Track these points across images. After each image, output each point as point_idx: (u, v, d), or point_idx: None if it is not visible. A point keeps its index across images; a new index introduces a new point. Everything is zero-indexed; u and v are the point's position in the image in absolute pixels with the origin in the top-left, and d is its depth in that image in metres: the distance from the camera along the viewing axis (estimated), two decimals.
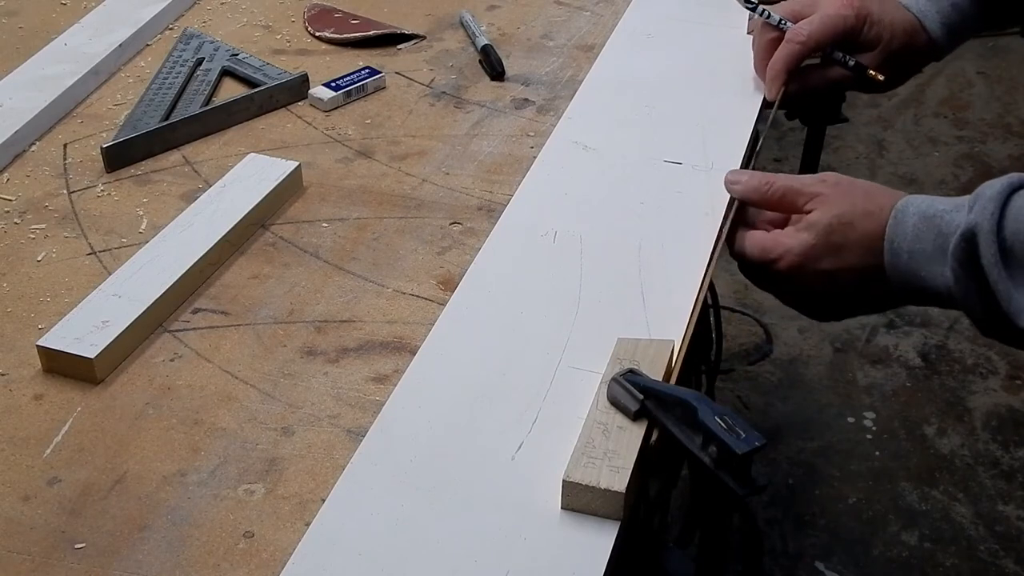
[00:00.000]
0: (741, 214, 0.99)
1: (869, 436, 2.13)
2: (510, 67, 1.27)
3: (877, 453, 2.09)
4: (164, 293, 0.92)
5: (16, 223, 1.03)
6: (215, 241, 0.97)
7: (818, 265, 0.91)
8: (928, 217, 0.85)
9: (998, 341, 0.85)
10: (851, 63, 1.12)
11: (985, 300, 0.81)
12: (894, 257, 0.86)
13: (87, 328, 0.87)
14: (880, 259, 0.88)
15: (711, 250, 0.98)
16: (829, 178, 0.93)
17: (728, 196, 1.03)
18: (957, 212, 0.84)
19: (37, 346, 0.87)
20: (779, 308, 2.34)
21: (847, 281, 0.91)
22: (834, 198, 0.91)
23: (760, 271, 0.95)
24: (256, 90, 1.20)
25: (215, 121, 1.17)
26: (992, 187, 0.81)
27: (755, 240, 0.95)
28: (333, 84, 1.21)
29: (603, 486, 0.73)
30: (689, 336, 0.88)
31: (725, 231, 0.98)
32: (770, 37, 1.15)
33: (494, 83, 1.25)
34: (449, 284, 0.96)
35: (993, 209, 0.80)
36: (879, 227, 0.88)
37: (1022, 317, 0.79)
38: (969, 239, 0.81)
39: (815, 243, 0.91)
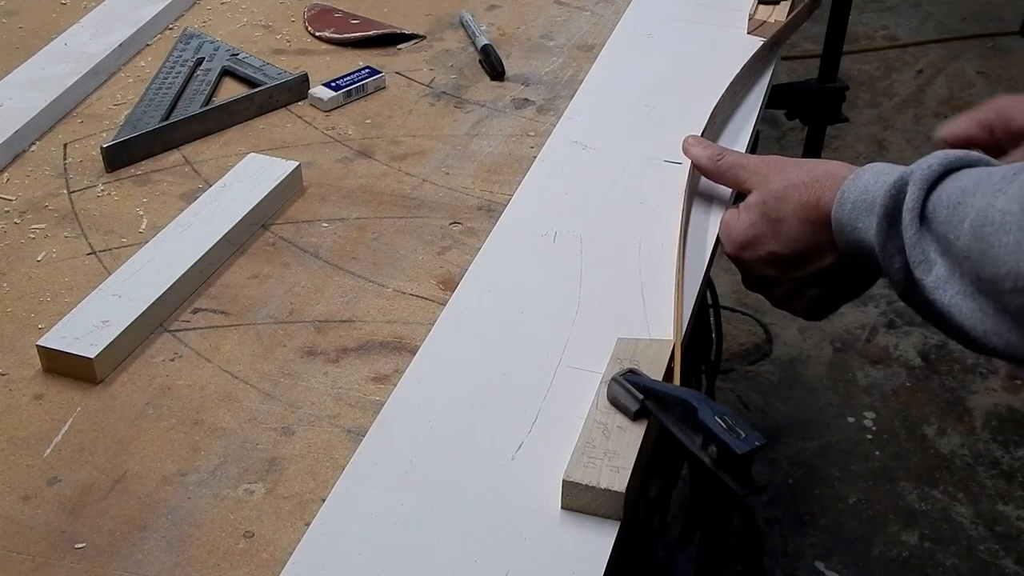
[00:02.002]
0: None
1: (869, 436, 2.13)
2: (510, 67, 1.27)
3: (877, 453, 2.09)
4: (164, 293, 0.92)
5: (16, 223, 1.03)
6: (215, 241, 0.97)
7: (760, 247, 0.91)
8: (882, 172, 0.83)
9: (912, 309, 0.82)
10: None
11: (903, 251, 0.79)
12: (840, 208, 0.84)
13: (87, 328, 0.87)
14: (821, 232, 0.87)
15: (711, 250, 0.98)
16: (769, 158, 0.94)
17: (728, 195, 1.03)
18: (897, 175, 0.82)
19: (37, 346, 0.87)
20: None
21: (794, 259, 0.89)
22: (771, 175, 0.92)
23: (732, 261, 0.96)
24: (256, 90, 1.20)
25: (215, 121, 1.17)
26: (946, 152, 0.79)
27: (721, 225, 0.96)
28: (333, 84, 1.21)
29: (603, 486, 0.73)
30: (683, 335, 0.88)
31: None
32: None
33: (494, 83, 1.25)
34: (449, 284, 0.96)
35: (935, 166, 0.78)
36: (815, 196, 0.87)
37: (919, 267, 0.77)
38: (900, 187, 0.79)
39: (752, 222, 0.91)
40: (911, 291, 0.80)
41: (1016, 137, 0.99)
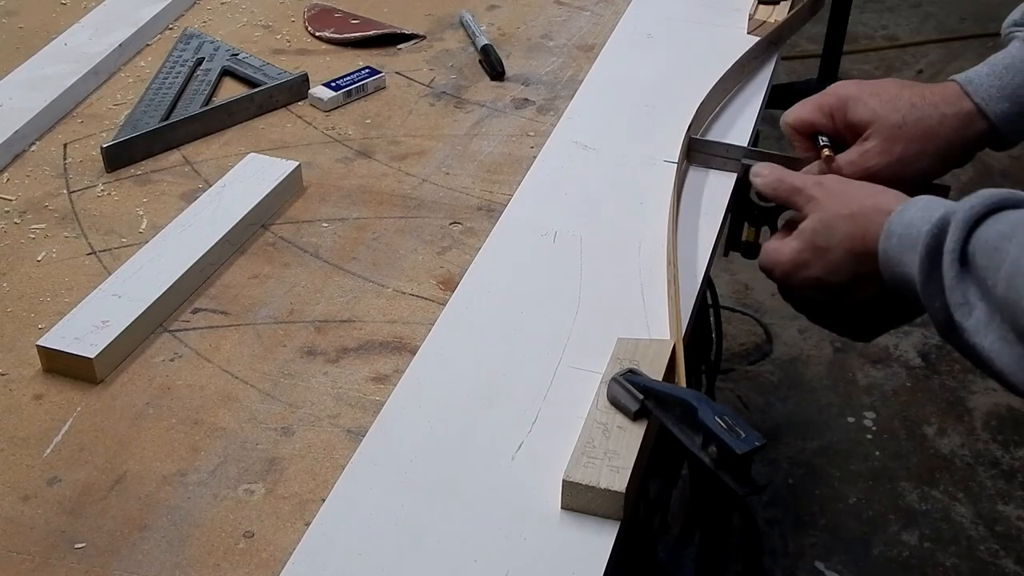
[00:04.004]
0: (738, 213, 0.98)
1: (869, 436, 2.13)
2: (510, 67, 1.27)
3: (877, 453, 2.09)
4: (164, 293, 0.92)
5: (16, 223, 1.03)
6: (215, 241, 0.97)
7: (807, 272, 0.91)
8: (928, 207, 0.83)
9: (954, 348, 0.82)
10: None
11: (943, 292, 0.79)
12: (886, 241, 0.84)
13: (87, 328, 0.87)
14: (866, 264, 0.86)
15: (711, 250, 0.98)
16: (825, 180, 0.93)
17: (727, 197, 1.04)
18: (941, 213, 0.82)
19: (37, 346, 0.87)
20: (779, 308, 2.34)
21: (839, 287, 0.90)
22: (824, 202, 0.91)
23: (778, 285, 0.96)
24: (256, 90, 1.20)
25: (215, 121, 1.17)
26: (991, 192, 0.79)
27: (765, 250, 0.95)
28: (333, 84, 1.21)
29: (603, 486, 0.73)
30: (683, 334, 0.88)
31: (725, 231, 0.98)
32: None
33: (494, 83, 1.25)
34: (449, 284, 0.96)
35: (978, 206, 0.78)
36: (862, 228, 0.86)
37: (959, 310, 0.77)
38: (942, 227, 0.79)
39: (801, 248, 0.91)
40: (952, 332, 0.79)
41: (853, 128, 0.99)
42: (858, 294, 0.89)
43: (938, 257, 0.79)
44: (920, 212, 0.82)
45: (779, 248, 0.93)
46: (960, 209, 0.78)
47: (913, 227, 0.82)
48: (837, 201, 0.90)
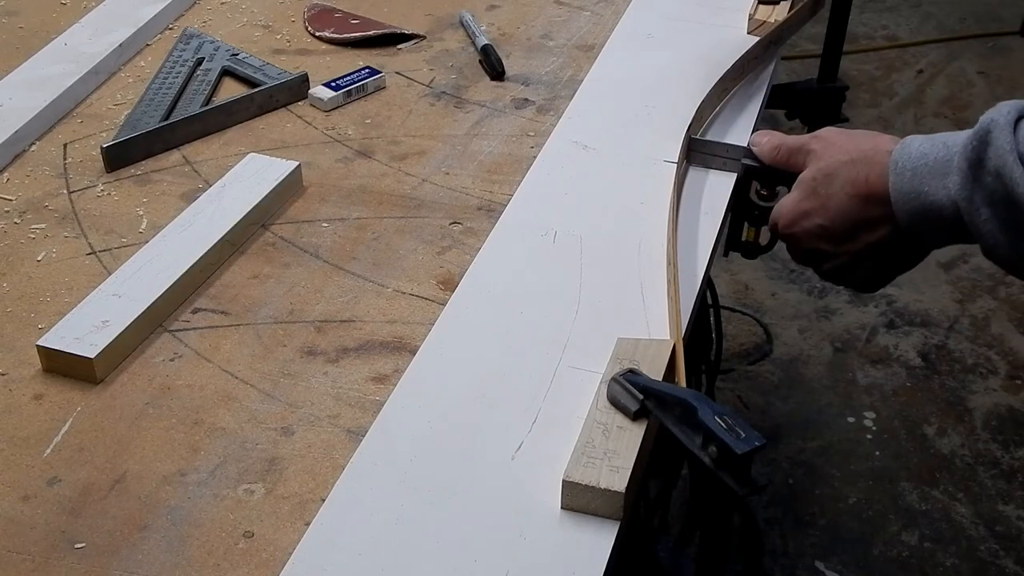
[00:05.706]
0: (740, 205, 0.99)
1: (869, 436, 2.13)
2: (510, 67, 1.27)
3: (877, 453, 2.09)
4: (164, 293, 0.92)
5: (16, 223, 1.03)
6: (215, 241, 0.97)
7: (810, 221, 0.92)
8: (934, 139, 0.84)
9: (1001, 265, 0.83)
10: None
11: (993, 200, 0.80)
12: (898, 179, 0.85)
13: (87, 328, 0.87)
14: (870, 207, 0.88)
15: (711, 250, 0.98)
16: (822, 133, 0.95)
17: (727, 197, 1.04)
18: (964, 134, 0.83)
19: (37, 346, 0.87)
20: (779, 308, 2.34)
21: (843, 234, 0.91)
22: (822, 152, 0.93)
23: (783, 239, 0.97)
24: (256, 90, 1.20)
25: (215, 121, 1.17)
26: (1011, 103, 0.81)
27: (775, 208, 0.97)
28: (333, 84, 1.21)
29: (603, 486, 0.73)
30: (683, 335, 0.88)
31: (725, 231, 0.98)
32: None
33: (494, 83, 1.25)
34: (449, 284, 0.96)
35: (1011, 112, 0.79)
36: (864, 172, 0.88)
37: None
38: (983, 137, 0.80)
39: (801, 198, 0.92)
40: (1004, 241, 0.80)
41: None
42: (862, 240, 0.90)
43: (979, 169, 0.80)
44: (926, 143, 0.84)
45: (783, 202, 0.95)
46: (999, 116, 0.80)
47: (929, 156, 0.83)
48: (835, 149, 0.92)
